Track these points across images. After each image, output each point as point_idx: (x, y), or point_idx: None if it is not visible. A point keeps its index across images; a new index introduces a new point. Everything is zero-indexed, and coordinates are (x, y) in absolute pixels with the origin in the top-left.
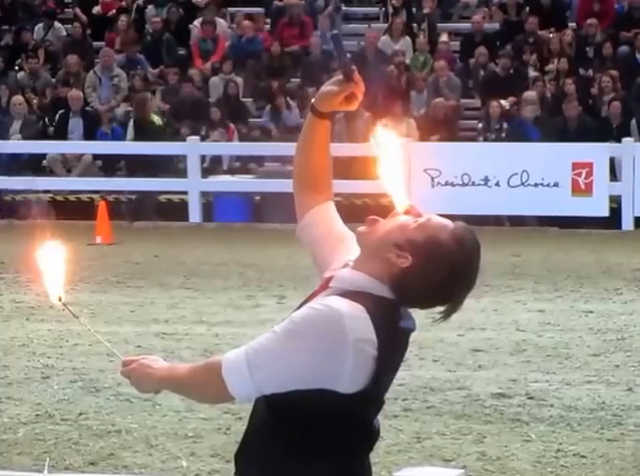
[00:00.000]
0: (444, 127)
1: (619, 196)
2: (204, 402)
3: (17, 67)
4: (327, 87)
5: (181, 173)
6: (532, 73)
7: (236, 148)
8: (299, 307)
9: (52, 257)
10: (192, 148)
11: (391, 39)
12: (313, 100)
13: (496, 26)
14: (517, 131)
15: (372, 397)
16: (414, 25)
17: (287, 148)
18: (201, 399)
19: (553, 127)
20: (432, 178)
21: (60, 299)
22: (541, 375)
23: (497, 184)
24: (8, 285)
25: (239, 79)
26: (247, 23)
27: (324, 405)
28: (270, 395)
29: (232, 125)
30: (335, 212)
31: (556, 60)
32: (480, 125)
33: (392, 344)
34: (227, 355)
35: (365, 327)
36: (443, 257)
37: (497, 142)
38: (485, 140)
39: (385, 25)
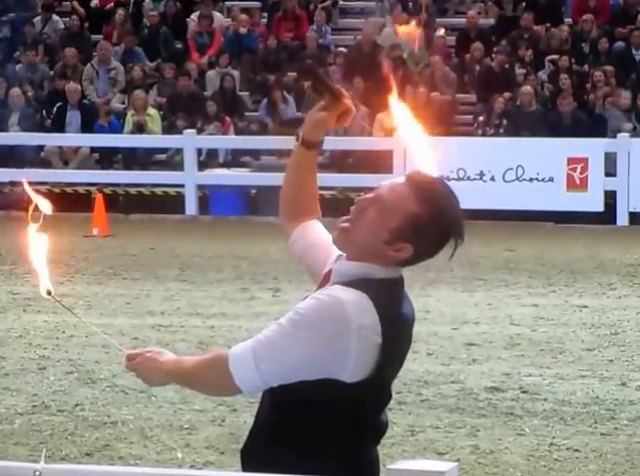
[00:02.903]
0: (439, 121)
1: (614, 192)
2: (212, 394)
3: (15, 60)
4: (316, 115)
5: (178, 166)
6: (519, 70)
7: (232, 141)
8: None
9: (39, 249)
10: (188, 141)
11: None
12: (302, 133)
13: (492, 21)
14: None
15: (376, 386)
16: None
17: (283, 141)
18: (209, 392)
19: (547, 122)
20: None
21: (50, 293)
22: (535, 369)
23: (493, 179)
24: (5, 276)
25: (235, 73)
26: (243, 17)
27: (329, 395)
28: (276, 387)
29: (228, 118)
30: (321, 226)
31: (551, 56)
32: (481, 118)
33: (396, 330)
34: (233, 349)
35: (368, 314)
36: (430, 225)
37: (495, 136)
38: (484, 134)
39: (382, 19)
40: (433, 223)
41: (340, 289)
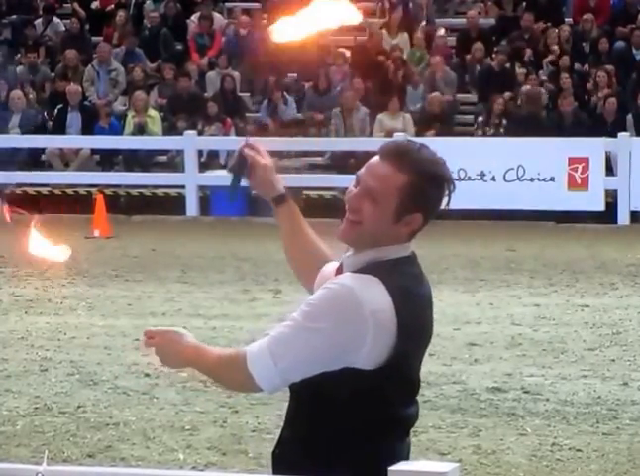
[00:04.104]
0: (439, 122)
1: (615, 191)
2: (232, 390)
3: (16, 62)
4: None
5: (178, 167)
6: (519, 70)
7: (233, 142)
8: None
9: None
10: (189, 142)
11: (389, 34)
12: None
13: (492, 21)
14: None
15: (398, 373)
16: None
17: (284, 142)
18: (229, 388)
19: (548, 122)
20: None
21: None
22: (536, 369)
23: (493, 179)
24: (7, 278)
25: (235, 74)
26: (243, 18)
27: (349, 385)
28: (297, 383)
29: (229, 119)
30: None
31: (552, 56)
32: (481, 119)
33: (412, 310)
34: (250, 348)
35: (380, 298)
36: (424, 185)
37: (496, 137)
38: (485, 134)
39: (383, 20)
40: (425, 181)
41: (350, 276)
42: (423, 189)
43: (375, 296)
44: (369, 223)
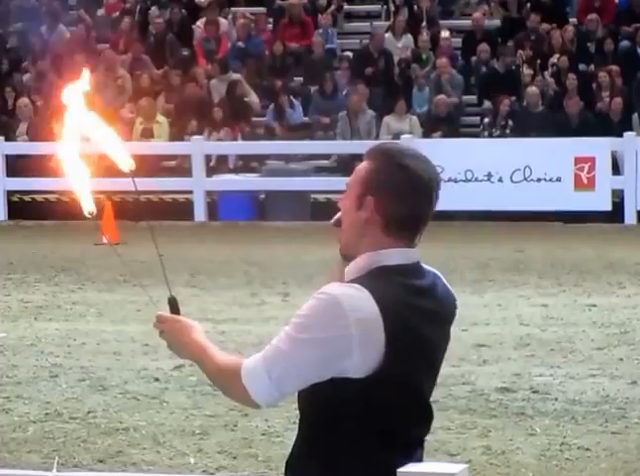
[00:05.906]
0: (446, 124)
1: (622, 191)
2: (231, 399)
3: (23, 70)
4: None
5: (186, 172)
6: (525, 71)
7: (240, 147)
8: None
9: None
10: (197, 147)
11: (394, 36)
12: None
13: (497, 23)
14: None
15: (390, 384)
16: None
17: (291, 146)
18: (226, 396)
19: (554, 123)
20: None
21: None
22: (545, 369)
23: (500, 180)
24: (16, 285)
25: (237, 75)
26: (245, 21)
27: (342, 394)
28: (299, 396)
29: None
30: None
31: (557, 56)
32: (487, 120)
33: (403, 321)
34: (245, 363)
35: (366, 307)
36: (378, 168)
37: (502, 138)
38: (490, 135)
39: (387, 23)
40: (382, 166)
41: (336, 285)
42: (378, 172)
43: (361, 304)
44: (344, 215)
